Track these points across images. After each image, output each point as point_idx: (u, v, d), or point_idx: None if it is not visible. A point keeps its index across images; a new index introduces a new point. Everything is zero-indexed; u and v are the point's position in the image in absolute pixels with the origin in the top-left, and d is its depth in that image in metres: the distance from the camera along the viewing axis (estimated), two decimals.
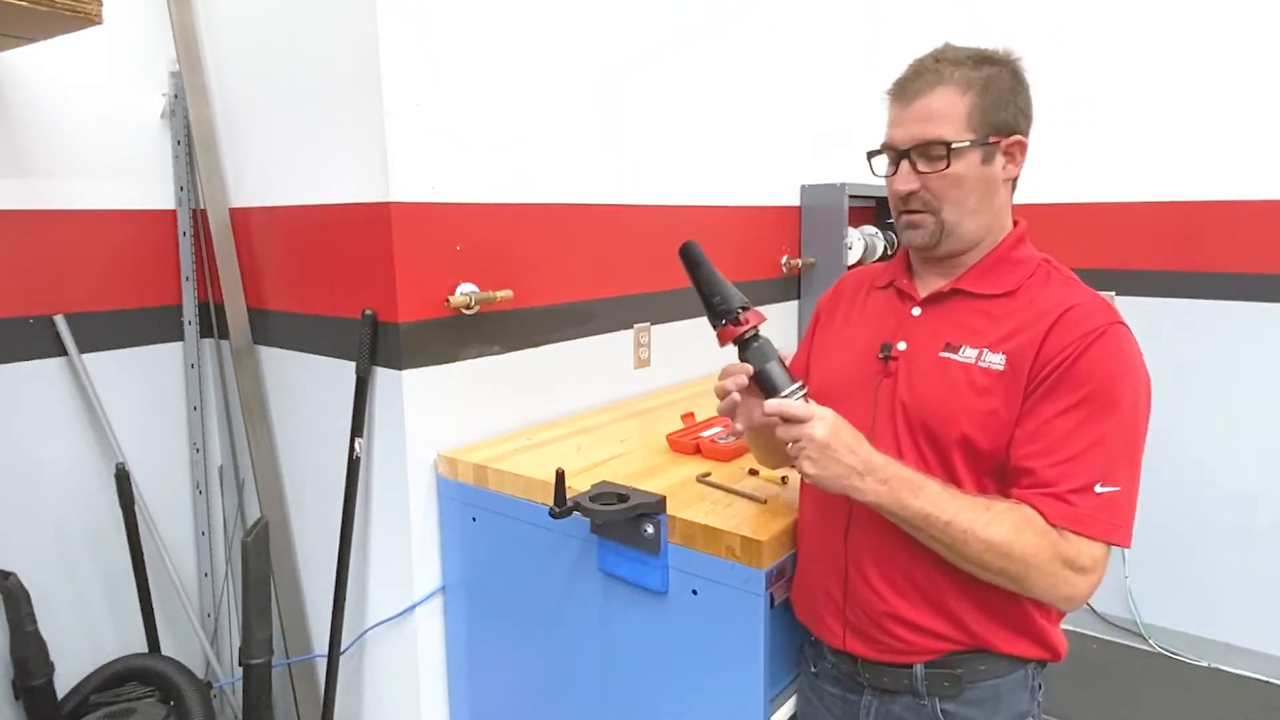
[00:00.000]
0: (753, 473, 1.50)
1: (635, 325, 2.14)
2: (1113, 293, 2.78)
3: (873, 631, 1.14)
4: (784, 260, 2.72)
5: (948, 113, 1.07)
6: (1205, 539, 2.74)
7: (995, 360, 1.06)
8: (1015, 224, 1.17)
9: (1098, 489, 1.00)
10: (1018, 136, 1.11)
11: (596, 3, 1.93)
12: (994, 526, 1.00)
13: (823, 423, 1.02)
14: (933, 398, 1.09)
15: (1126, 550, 1.77)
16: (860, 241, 2.80)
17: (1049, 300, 1.07)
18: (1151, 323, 2.69)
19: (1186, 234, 2.71)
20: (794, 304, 2.82)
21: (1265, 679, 2.65)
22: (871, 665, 1.15)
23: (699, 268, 1.17)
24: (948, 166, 1.07)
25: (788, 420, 1.04)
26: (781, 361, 1.11)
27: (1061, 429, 1.01)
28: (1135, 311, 2.68)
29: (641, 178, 2.12)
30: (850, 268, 2.71)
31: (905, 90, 1.11)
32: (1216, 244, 2.67)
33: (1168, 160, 2.72)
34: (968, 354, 1.08)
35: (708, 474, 1.49)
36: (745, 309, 1.14)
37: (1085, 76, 2.80)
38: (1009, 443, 1.04)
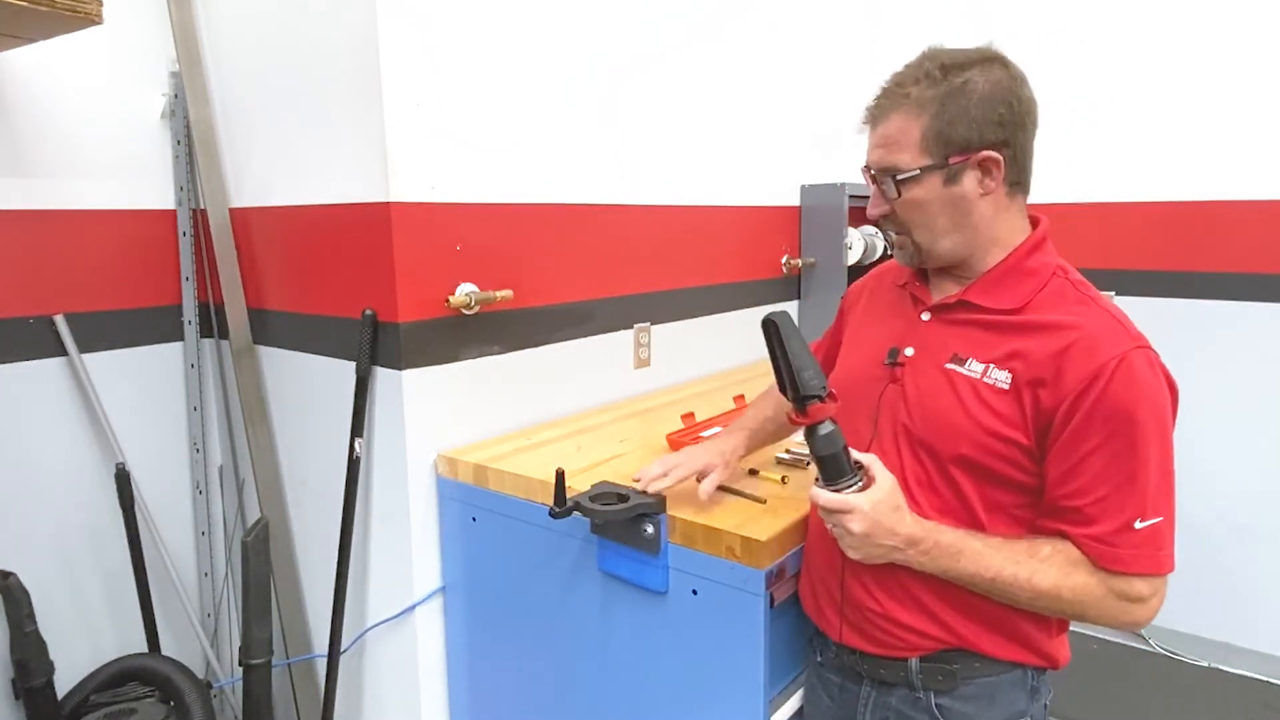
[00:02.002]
0: (753, 473, 1.50)
1: (635, 325, 2.14)
2: (1113, 293, 2.78)
3: (868, 628, 1.15)
4: (784, 260, 2.71)
5: (900, 139, 1.06)
6: (1205, 539, 2.73)
7: (1000, 377, 1.04)
8: (1036, 225, 1.14)
9: (1138, 524, 0.99)
10: (987, 152, 1.03)
11: (597, 3, 1.93)
12: (1040, 575, 1.00)
13: (860, 517, 1.00)
14: (935, 409, 1.08)
15: None
16: (860, 241, 2.80)
17: (1058, 321, 1.03)
18: (1151, 323, 2.63)
19: (1186, 234, 2.71)
20: (794, 304, 2.82)
21: (1265, 679, 2.65)
22: (869, 658, 1.16)
23: (790, 341, 1.02)
24: (899, 195, 1.07)
25: (827, 509, 1.03)
26: (846, 450, 1.02)
27: (1093, 468, 0.99)
28: (1135, 311, 2.64)
29: (641, 178, 2.11)
30: (850, 268, 2.71)
31: (871, 113, 1.11)
32: (1216, 244, 2.67)
33: (1168, 160, 2.72)
34: (974, 367, 1.07)
35: None
36: (822, 398, 1.01)
37: (1085, 76, 2.80)
38: (1014, 463, 1.04)
